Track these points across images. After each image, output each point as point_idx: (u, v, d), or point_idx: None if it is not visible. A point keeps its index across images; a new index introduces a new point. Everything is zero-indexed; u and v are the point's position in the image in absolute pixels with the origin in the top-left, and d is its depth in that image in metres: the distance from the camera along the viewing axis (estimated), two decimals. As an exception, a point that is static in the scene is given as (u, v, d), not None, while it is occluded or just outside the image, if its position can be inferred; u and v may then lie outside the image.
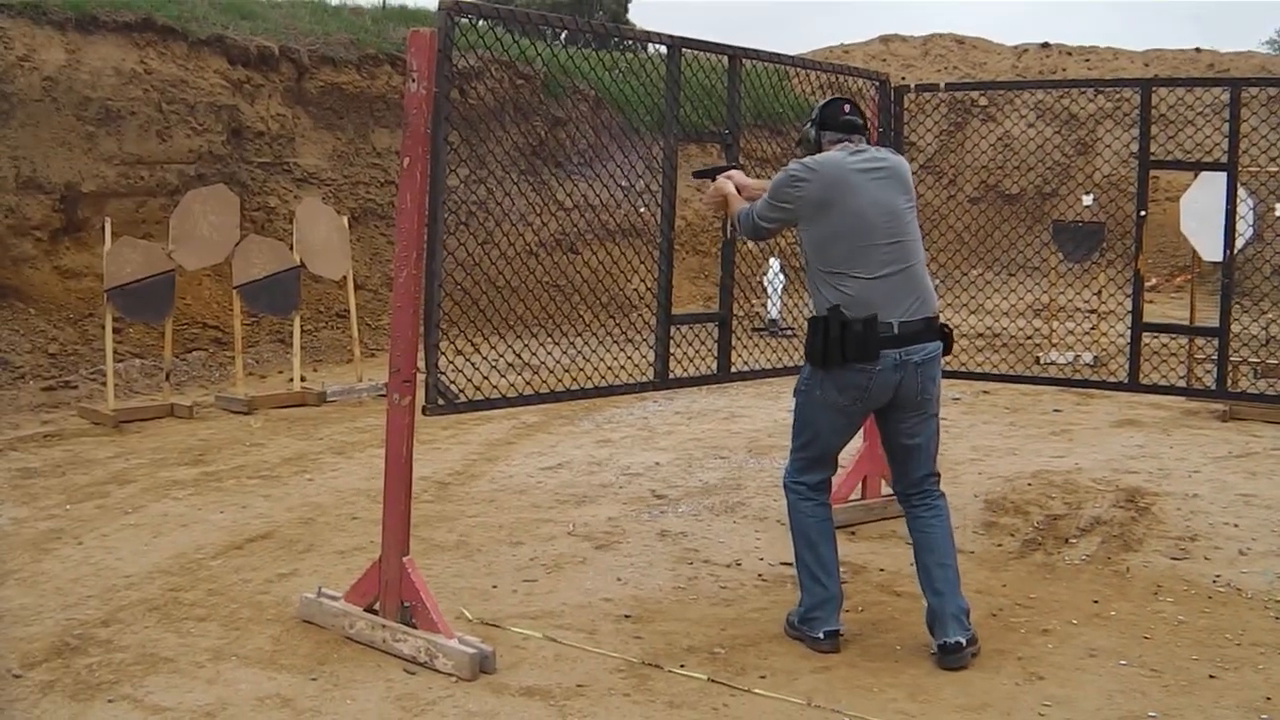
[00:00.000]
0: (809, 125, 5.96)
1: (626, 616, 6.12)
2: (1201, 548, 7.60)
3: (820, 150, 5.86)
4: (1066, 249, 16.00)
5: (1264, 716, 5.16)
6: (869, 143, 5.95)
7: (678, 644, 5.75)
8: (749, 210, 6.01)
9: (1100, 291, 15.62)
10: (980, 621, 6.04)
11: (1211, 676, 5.59)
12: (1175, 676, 5.57)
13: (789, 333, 10.95)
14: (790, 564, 6.80)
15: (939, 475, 6.00)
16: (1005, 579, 6.91)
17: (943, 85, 8.42)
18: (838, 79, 7.96)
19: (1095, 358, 15.14)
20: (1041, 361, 15.13)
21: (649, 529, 7.71)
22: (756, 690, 5.22)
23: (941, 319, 5.85)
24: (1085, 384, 8.74)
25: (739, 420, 11.52)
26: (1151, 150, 7.65)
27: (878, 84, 7.89)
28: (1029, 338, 16.11)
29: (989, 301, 9.58)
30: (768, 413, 11.88)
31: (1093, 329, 16.06)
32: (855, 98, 6.21)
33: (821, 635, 5.77)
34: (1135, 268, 7.53)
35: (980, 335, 13.47)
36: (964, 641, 5.63)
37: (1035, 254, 14.84)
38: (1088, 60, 29.23)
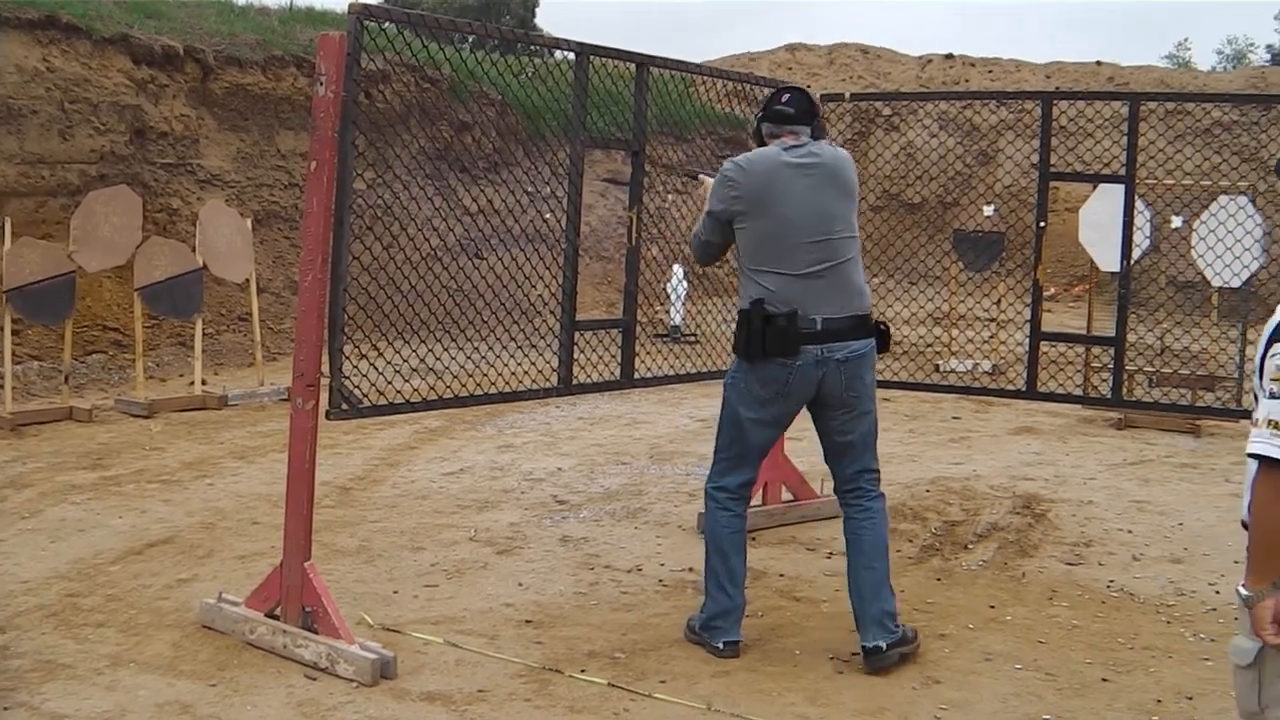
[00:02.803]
0: (756, 120, 5.98)
1: (528, 622, 6.13)
2: (1096, 553, 7.73)
3: (763, 143, 5.86)
4: (967, 258, 16.19)
5: (1154, 718, 5.27)
6: (816, 135, 5.87)
7: (579, 649, 5.76)
8: (695, 235, 6.02)
9: (1000, 300, 15.82)
10: (878, 627, 6.12)
11: (1104, 679, 5.70)
12: (1069, 680, 5.67)
13: (691, 339, 11.03)
14: (693, 569, 6.89)
15: (877, 473, 6.01)
16: (903, 585, 6.96)
17: (848, 95, 8.52)
18: (743, 87, 8.00)
19: (994, 366, 15.34)
20: (941, 369, 15.31)
21: (551, 535, 7.72)
22: (657, 695, 5.25)
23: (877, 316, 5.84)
24: (984, 391, 8.86)
25: (641, 426, 11.57)
26: (1052, 162, 7.78)
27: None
28: (929, 345, 16.33)
29: (890, 310, 9.69)
30: (669, 419, 11.95)
31: (991, 338, 16.26)
32: (801, 89, 6.08)
33: (721, 645, 5.78)
34: (1034, 278, 7.66)
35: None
36: (884, 646, 5.65)
37: (936, 263, 15.02)
38: (990, 72, 29.56)
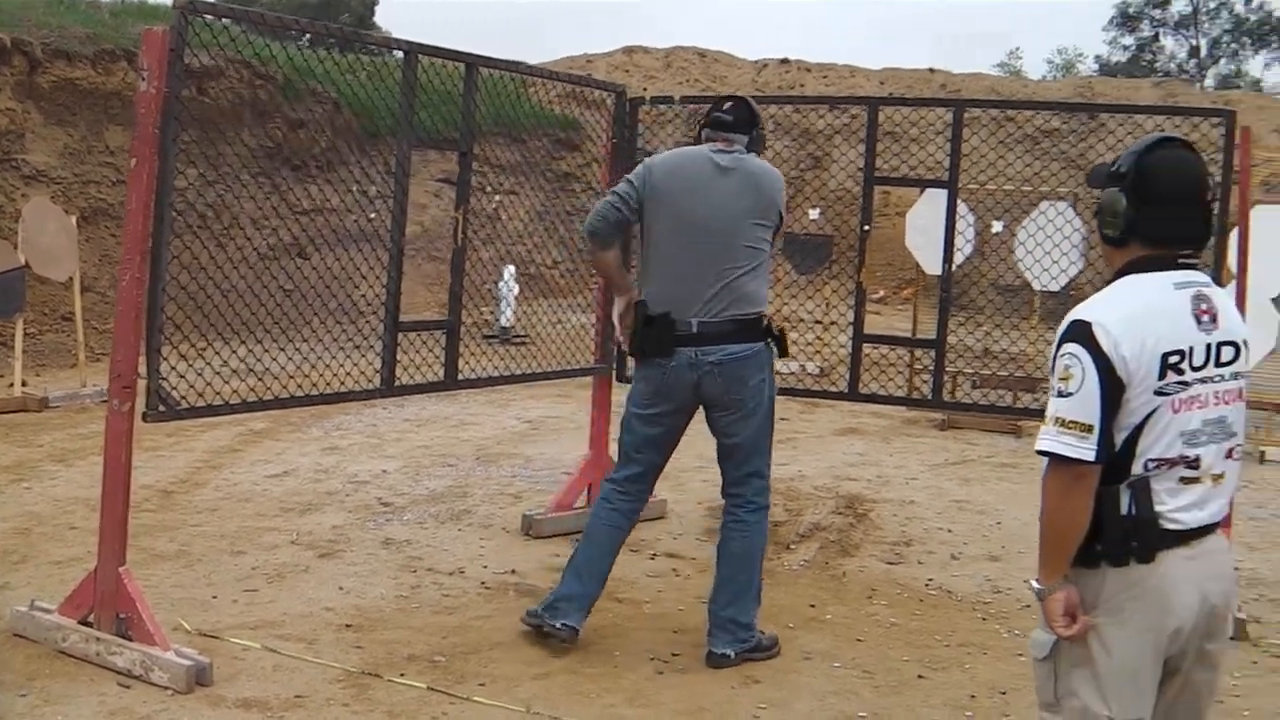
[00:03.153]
0: (698, 125, 6.04)
1: (348, 626, 6.06)
2: (916, 552, 7.88)
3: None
4: (796, 260, 16.34)
5: (968, 714, 5.39)
6: (753, 145, 5.93)
7: (399, 653, 5.71)
8: (600, 204, 5.98)
9: (827, 303, 16.01)
10: (699, 627, 6.14)
11: (920, 676, 5.81)
12: (886, 677, 5.77)
13: (521, 340, 11.02)
14: (515, 571, 6.92)
15: (764, 480, 6.14)
16: (726, 585, 7.06)
17: (678, 98, 8.55)
18: (576, 89, 8.03)
19: (820, 368, 15.50)
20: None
21: (373, 537, 7.65)
22: (476, 698, 5.23)
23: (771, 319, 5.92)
24: (808, 393, 8.93)
25: (468, 428, 11.52)
26: (882, 167, 7.91)
27: (614, 95, 7.98)
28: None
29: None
30: (497, 420, 11.92)
31: (817, 339, 16.44)
32: (744, 99, 6.10)
33: (559, 625, 5.80)
34: (857, 280, 7.76)
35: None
36: (731, 654, 5.73)
37: (779, 267, 15.15)
38: (825, 77, 29.94)
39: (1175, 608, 3.23)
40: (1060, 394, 3.22)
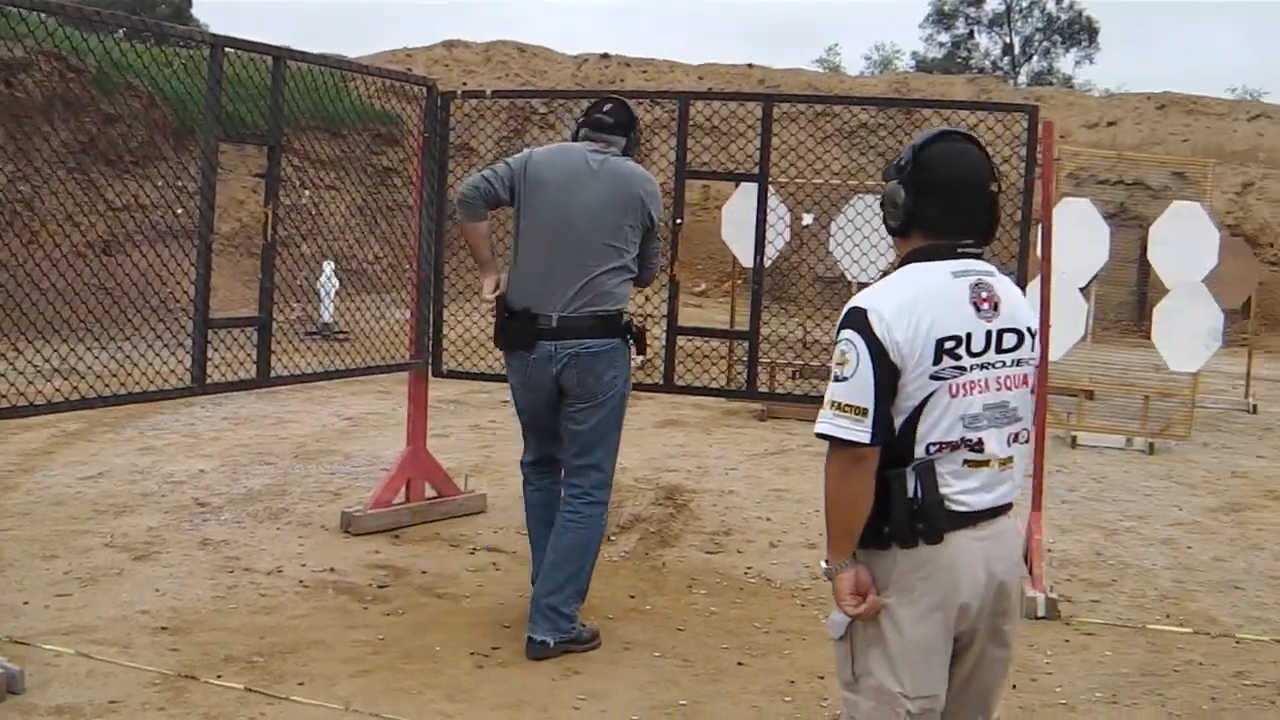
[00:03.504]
0: (576, 124, 6.23)
1: (163, 628, 5.95)
2: (735, 541, 7.99)
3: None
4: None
5: (787, 699, 5.48)
6: (629, 147, 6.12)
7: (216, 654, 5.64)
8: (478, 176, 6.10)
9: (646, 296, 16.07)
10: (519, 620, 6.18)
11: (740, 664, 5.90)
12: (706, 665, 5.85)
13: (343, 336, 10.90)
14: (334, 569, 6.89)
15: (603, 474, 6.11)
16: (546, 578, 7.09)
17: (489, 92, 8.53)
18: (391, 83, 7.96)
19: (641, 360, 15.54)
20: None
21: (190, 538, 7.52)
22: (294, 697, 5.19)
23: (633, 318, 6.10)
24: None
25: (287, 426, 11.38)
26: (704, 160, 7.97)
27: (425, 90, 7.94)
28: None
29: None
30: (317, 418, 11.80)
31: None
32: (622, 101, 6.28)
33: None
34: (670, 274, 7.82)
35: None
36: (550, 642, 5.82)
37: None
38: (645, 72, 30.07)
39: (963, 586, 3.32)
40: (837, 378, 3.28)
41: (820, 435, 3.30)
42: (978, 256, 3.44)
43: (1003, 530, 3.43)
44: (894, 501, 3.29)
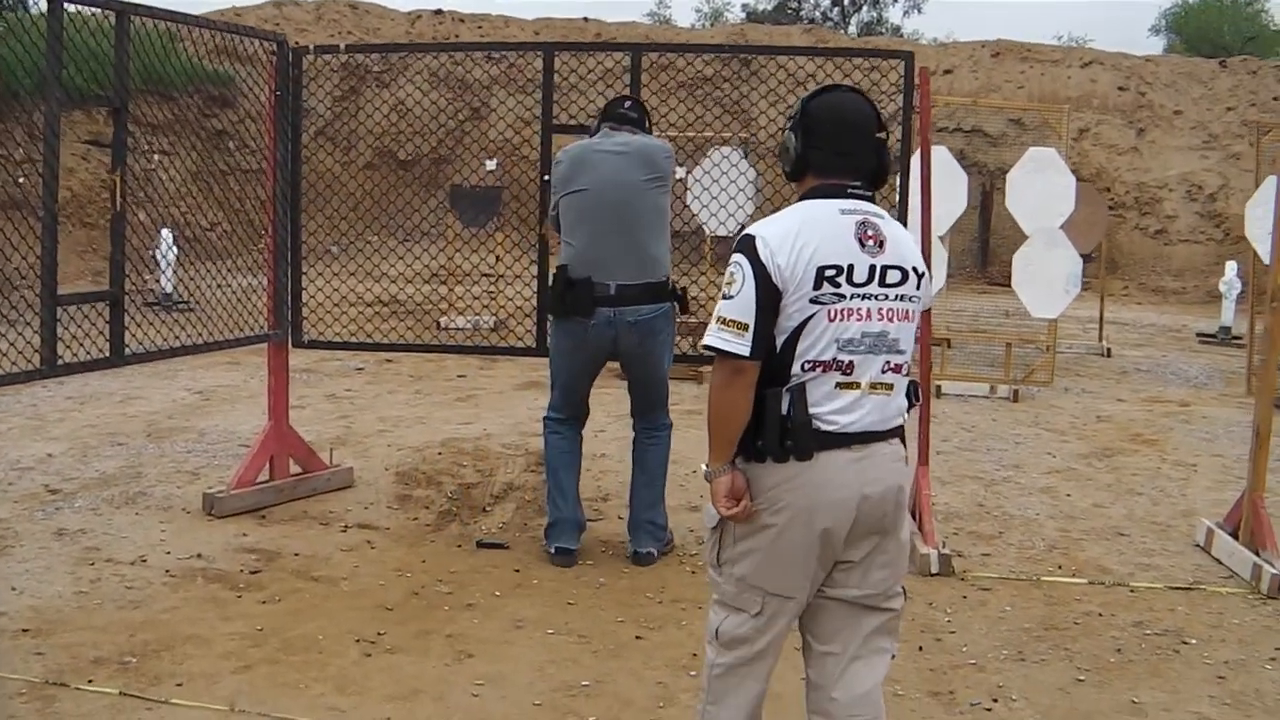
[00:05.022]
0: (597, 119, 6.81)
1: (25, 630, 5.51)
2: (614, 507, 7.76)
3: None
4: (465, 214, 16.05)
5: (692, 673, 5.26)
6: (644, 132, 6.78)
7: (84, 656, 5.22)
8: None
9: (500, 256, 15.79)
10: (402, 602, 5.97)
11: (638, 638, 5.70)
12: (603, 641, 5.63)
13: (185, 306, 10.42)
14: (201, 555, 6.53)
15: (666, 401, 7.04)
16: (424, 554, 6.79)
17: (343, 47, 8.14)
18: (231, 40, 7.49)
19: (497, 321, 15.27)
20: (443, 326, 15.13)
21: (44, 529, 7.03)
22: (174, 700, 4.83)
23: (674, 281, 6.73)
24: (492, 350, 8.63)
25: (136, 403, 10.80)
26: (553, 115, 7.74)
27: (275, 45, 7.54)
28: (432, 304, 16.14)
29: (391, 269, 9.44)
30: (166, 393, 11.22)
31: (485, 293, 16.24)
32: (637, 99, 7.00)
33: (553, 549, 6.76)
34: (539, 233, 7.55)
35: (382, 302, 13.35)
36: (655, 551, 6.80)
37: (435, 220, 14.83)
38: (480, 27, 29.57)
39: (825, 503, 3.58)
40: (725, 296, 3.56)
41: (705, 347, 3.57)
42: (868, 199, 3.72)
43: (878, 453, 3.66)
44: (768, 418, 3.58)
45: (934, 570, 6.72)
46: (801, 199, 3.74)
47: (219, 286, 7.70)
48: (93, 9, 6.10)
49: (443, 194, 16.98)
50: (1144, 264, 25.93)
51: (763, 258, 3.53)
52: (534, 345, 7.76)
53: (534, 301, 8.35)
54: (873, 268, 3.59)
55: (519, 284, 8.75)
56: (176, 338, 7.15)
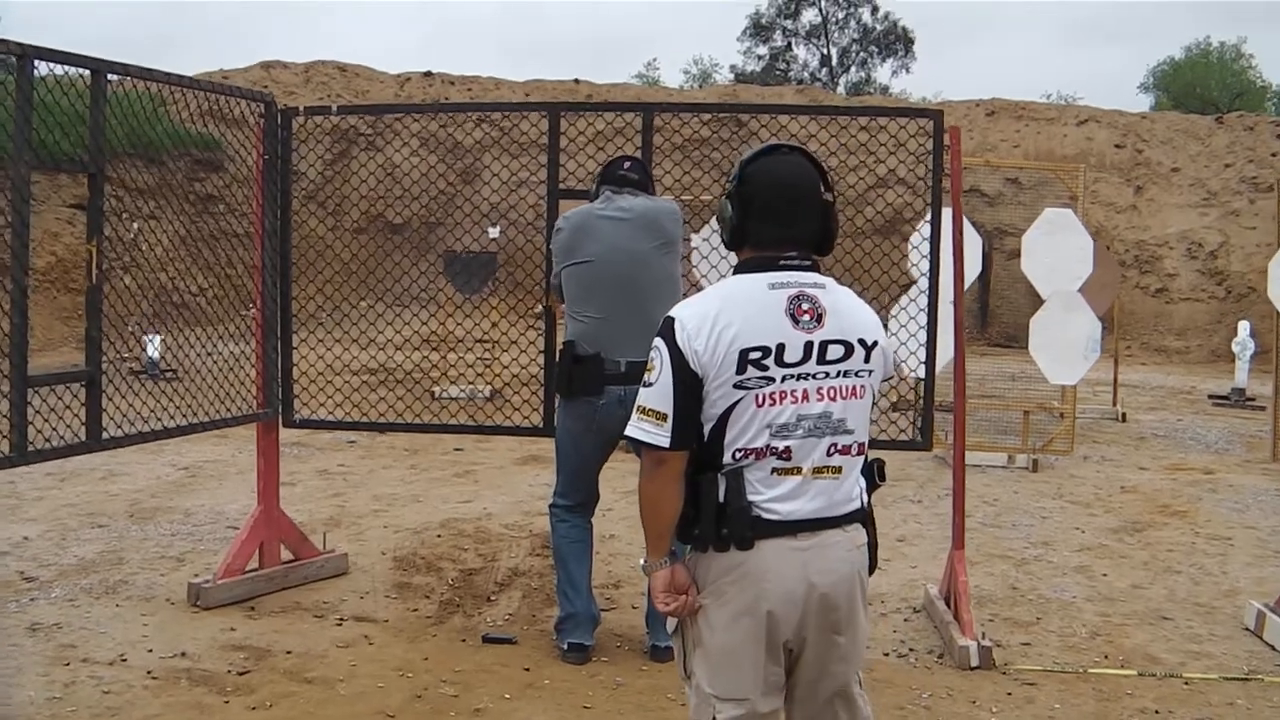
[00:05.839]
0: (595, 182, 6.41)
1: (-13, 744, 5.01)
2: (627, 595, 7.29)
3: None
4: (459, 280, 15.64)
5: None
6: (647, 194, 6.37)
7: (53, 776, 4.74)
8: None
9: (495, 322, 15.33)
10: (404, 707, 5.49)
11: (662, 748, 5.20)
12: (624, 753, 5.14)
13: (171, 375, 9.94)
14: (185, 654, 6.02)
15: None
16: (426, 651, 6.29)
17: (335, 108, 7.71)
18: (219, 102, 7.04)
19: (493, 390, 14.81)
20: (438, 395, 14.63)
21: (16, 622, 6.50)
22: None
23: None
24: (496, 430, 8.02)
25: (118, 479, 10.29)
26: (538, 178, 7.44)
27: (263, 106, 7.11)
28: (424, 372, 15.64)
29: (381, 335, 9.00)
30: (149, 469, 10.71)
31: (479, 360, 15.79)
32: (638, 159, 6.59)
33: (565, 646, 6.28)
34: (545, 304, 7.11)
35: (370, 370, 12.88)
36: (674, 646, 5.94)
37: (429, 284, 14.38)
38: (470, 89, 29.30)
39: (770, 594, 3.39)
40: (645, 384, 3.43)
41: (625, 438, 3.47)
42: (806, 268, 3.50)
43: (829, 543, 3.46)
44: (703, 505, 3.42)
45: (974, 664, 6.26)
46: (734, 272, 3.56)
47: (207, 354, 7.23)
48: (66, 68, 5.65)
49: (435, 258, 16.55)
50: (1145, 323, 25.60)
51: (680, 342, 3.38)
52: (540, 425, 7.25)
53: (531, 370, 7.99)
54: (809, 345, 3.42)
55: (515, 350, 8.27)
56: (163, 410, 6.63)
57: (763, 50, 58.42)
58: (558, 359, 6.32)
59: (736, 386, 3.36)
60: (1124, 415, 15.54)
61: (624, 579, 7.58)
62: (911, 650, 6.45)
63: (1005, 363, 17.41)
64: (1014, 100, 29.00)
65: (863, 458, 3.56)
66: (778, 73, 56.53)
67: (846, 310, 3.51)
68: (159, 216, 7.80)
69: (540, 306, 9.53)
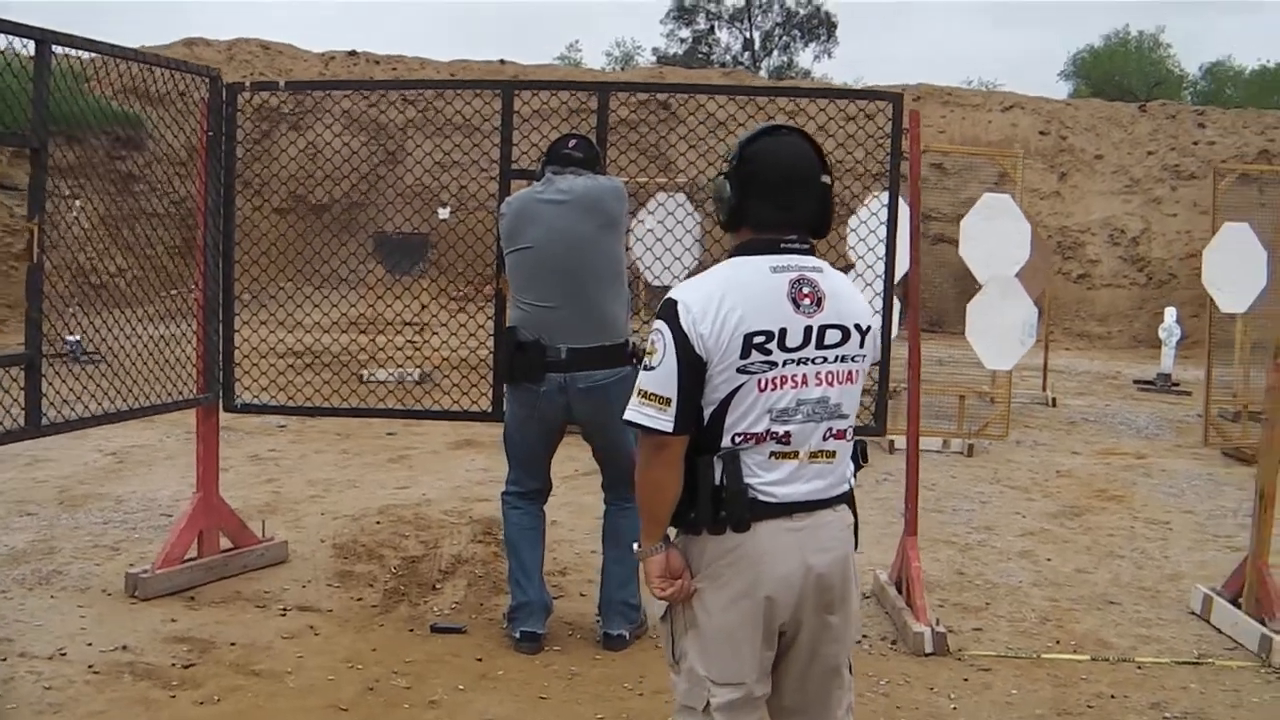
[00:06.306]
0: (541, 162, 6.23)
1: (-74, 744, 4.82)
2: (574, 582, 7.20)
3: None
4: (390, 261, 15.44)
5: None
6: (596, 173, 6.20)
7: (-1, 776, 4.56)
8: None
9: (425, 304, 15.13)
10: (357, 700, 5.36)
11: (632, 737, 5.12)
12: (594, 744, 5.05)
13: (93, 357, 9.70)
14: (127, 648, 5.86)
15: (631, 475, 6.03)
16: (374, 641, 6.15)
17: (282, 83, 7.53)
18: (142, 79, 6.78)
19: (422, 374, 14.62)
20: (366, 379, 14.42)
21: (-53, 617, 6.29)
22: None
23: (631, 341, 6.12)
24: (445, 415, 7.82)
25: (44, 465, 10.00)
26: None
27: (208, 81, 6.92)
28: (352, 355, 15.45)
29: (307, 317, 8.82)
30: (77, 455, 10.43)
31: (408, 343, 15.57)
32: (585, 137, 6.32)
33: (518, 634, 6.15)
34: (496, 287, 6.96)
35: (295, 354, 12.67)
36: (626, 635, 6.21)
37: (357, 266, 14.17)
38: (395, 69, 28.93)
39: (767, 576, 3.36)
40: (646, 367, 3.36)
41: (626, 422, 3.37)
42: (805, 252, 3.47)
43: (823, 522, 3.45)
44: (700, 488, 3.37)
45: (928, 650, 6.24)
46: (731, 254, 3.49)
47: (129, 335, 6.99)
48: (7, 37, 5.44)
49: (365, 239, 16.33)
50: (1068, 309, 25.76)
51: (684, 326, 3.32)
52: (489, 410, 7.13)
53: (461, 354, 7.95)
54: (809, 329, 3.38)
55: (445, 333, 8.11)
56: (89, 395, 6.41)
57: (685, 33, 58.36)
58: (501, 345, 6.29)
59: (740, 371, 3.32)
60: (1054, 400, 15.62)
61: (570, 566, 7.48)
62: (865, 637, 6.39)
63: (931, 347, 17.36)
64: (940, 86, 29.05)
65: (852, 441, 3.55)
66: (700, 56, 56.44)
67: (843, 294, 3.48)
68: (79, 195, 7.61)
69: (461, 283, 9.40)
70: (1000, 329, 11.65)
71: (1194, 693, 5.90)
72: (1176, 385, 17.48)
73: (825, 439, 3.42)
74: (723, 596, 3.40)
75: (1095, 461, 11.82)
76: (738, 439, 3.35)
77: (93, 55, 6.14)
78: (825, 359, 3.40)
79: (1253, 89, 47.81)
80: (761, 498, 3.36)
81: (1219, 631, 6.78)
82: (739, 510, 3.34)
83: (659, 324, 3.35)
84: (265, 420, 11.92)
